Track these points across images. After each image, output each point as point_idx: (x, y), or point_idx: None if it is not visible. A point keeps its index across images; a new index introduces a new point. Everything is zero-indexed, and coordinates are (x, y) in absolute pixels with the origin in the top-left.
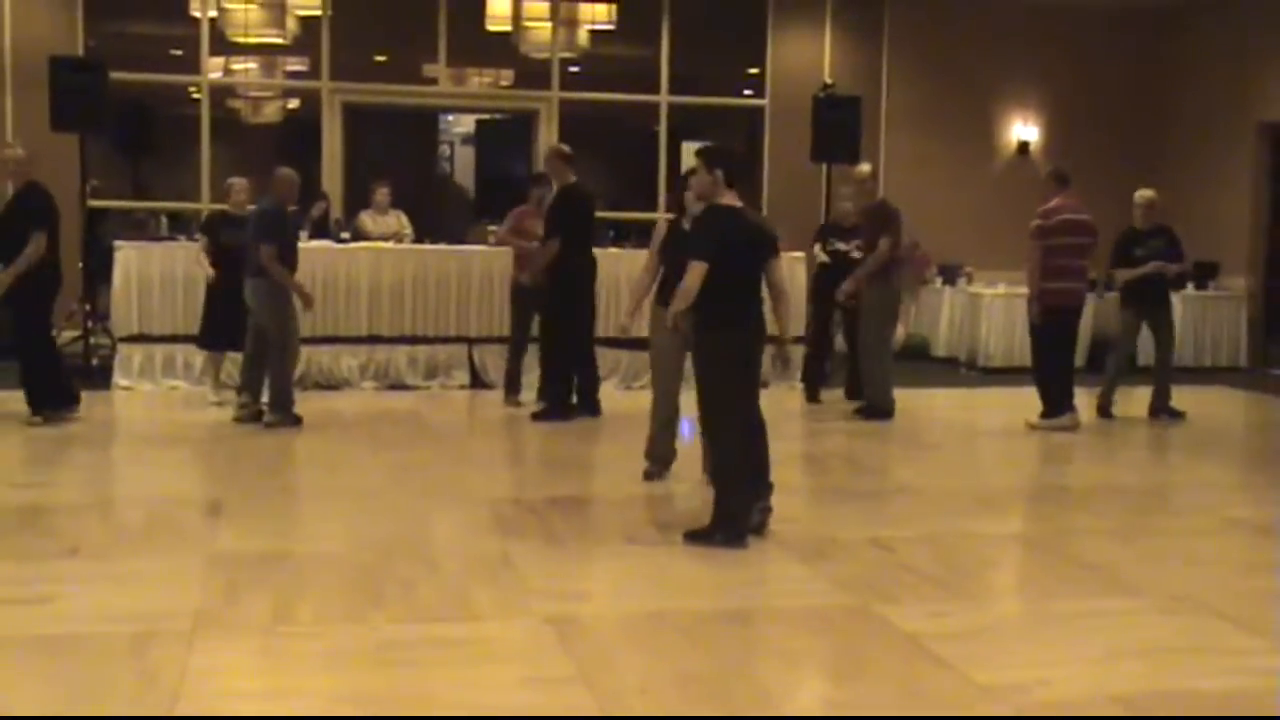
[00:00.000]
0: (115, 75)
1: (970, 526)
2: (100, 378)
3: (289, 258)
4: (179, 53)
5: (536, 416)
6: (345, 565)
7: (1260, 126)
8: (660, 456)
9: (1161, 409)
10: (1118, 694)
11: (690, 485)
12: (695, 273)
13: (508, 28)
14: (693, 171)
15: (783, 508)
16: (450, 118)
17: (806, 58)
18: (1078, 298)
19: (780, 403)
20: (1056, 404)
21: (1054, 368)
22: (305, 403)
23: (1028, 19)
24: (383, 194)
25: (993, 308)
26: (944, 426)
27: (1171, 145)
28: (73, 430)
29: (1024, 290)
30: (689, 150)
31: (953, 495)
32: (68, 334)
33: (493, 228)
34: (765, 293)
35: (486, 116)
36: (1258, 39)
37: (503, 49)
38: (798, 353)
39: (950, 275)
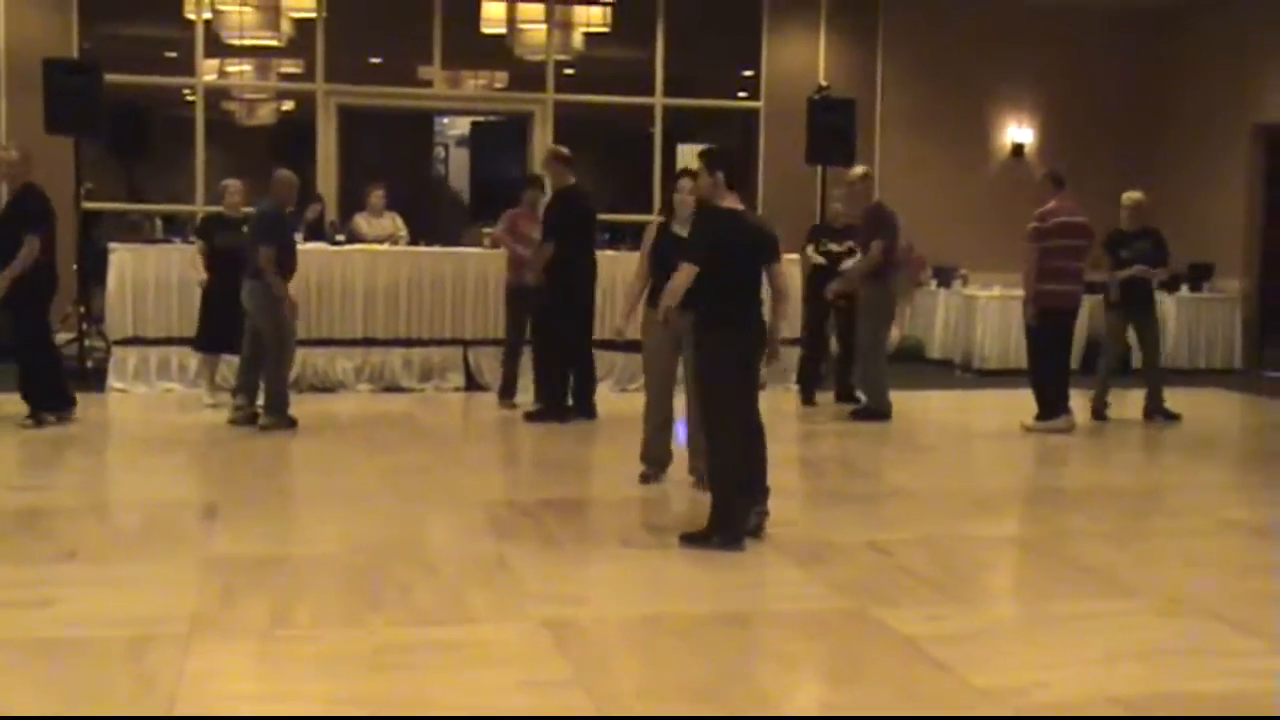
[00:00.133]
0: (110, 77)
1: (967, 529)
2: (95, 380)
3: (288, 261)
4: (173, 55)
5: (531, 417)
6: (341, 568)
7: (1255, 129)
8: (656, 459)
9: (1156, 411)
10: (1116, 696)
11: (686, 488)
12: (683, 273)
13: (502, 30)
14: (683, 174)
15: (779, 511)
16: (445, 120)
17: (801, 60)
18: (1074, 299)
19: (775, 405)
20: (1052, 406)
21: (1050, 370)
22: (300, 405)
23: (1023, 21)
24: (378, 196)
25: (988, 310)
26: (939, 429)
27: (1167, 147)
28: (69, 433)
29: (1019, 292)
30: (684, 152)
31: (949, 498)
32: (62, 336)
33: (487, 230)
34: (766, 294)
35: (481, 119)
36: (1253, 41)
37: (498, 51)
38: (791, 354)
39: (945, 277)
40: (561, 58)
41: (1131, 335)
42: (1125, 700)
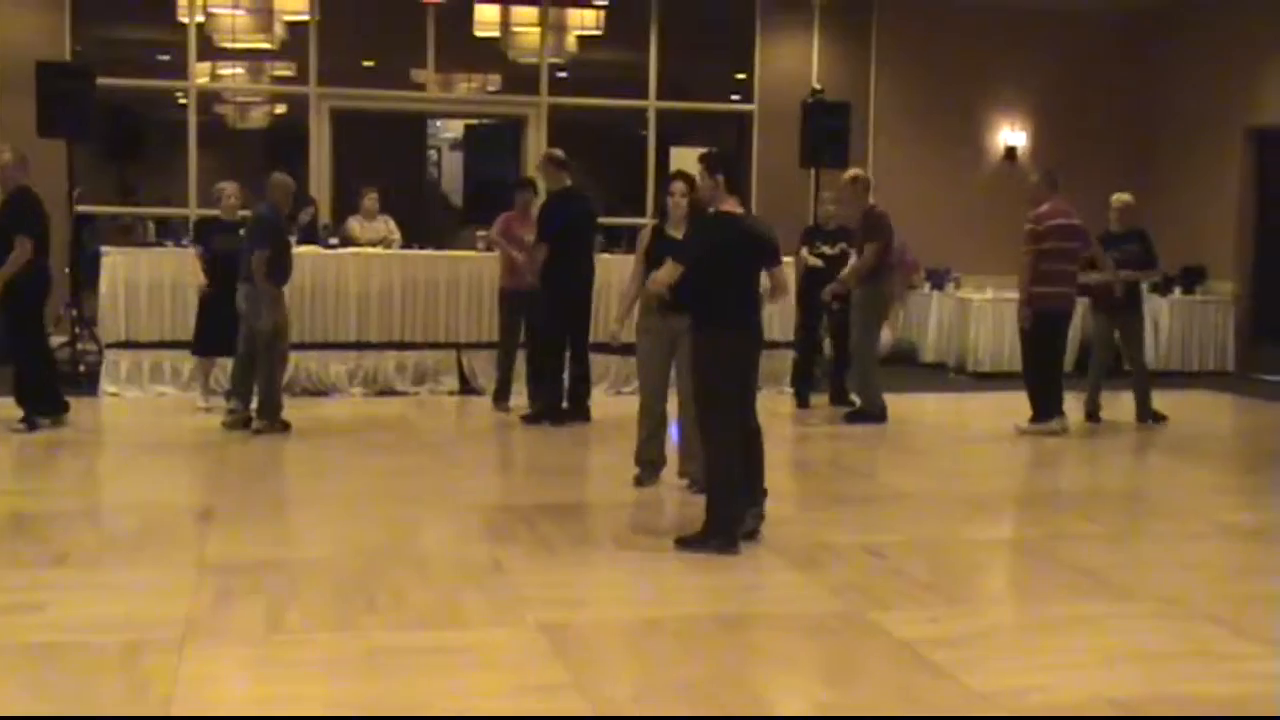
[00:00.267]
0: (102, 80)
1: (963, 532)
2: (88, 384)
3: (284, 264)
4: (166, 58)
5: (527, 419)
6: (336, 572)
7: (1247, 131)
8: (650, 461)
9: (1145, 415)
10: (1115, 699)
11: (680, 491)
12: (670, 268)
13: (496, 33)
14: (676, 177)
15: (775, 513)
16: (438, 123)
17: (795, 63)
18: (1068, 302)
19: (770, 408)
20: (1046, 408)
21: (1044, 372)
22: (294, 409)
23: (1015, 24)
24: (371, 199)
25: (981, 312)
26: (934, 431)
27: (1159, 150)
28: (61, 437)
29: (1012, 295)
30: (677, 155)
31: (944, 500)
32: (55, 340)
33: (481, 232)
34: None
35: (475, 122)
36: (1245, 44)
37: (491, 54)
38: (785, 357)
39: (938, 280)
40: (555, 60)
41: (1119, 338)
42: (1123, 703)
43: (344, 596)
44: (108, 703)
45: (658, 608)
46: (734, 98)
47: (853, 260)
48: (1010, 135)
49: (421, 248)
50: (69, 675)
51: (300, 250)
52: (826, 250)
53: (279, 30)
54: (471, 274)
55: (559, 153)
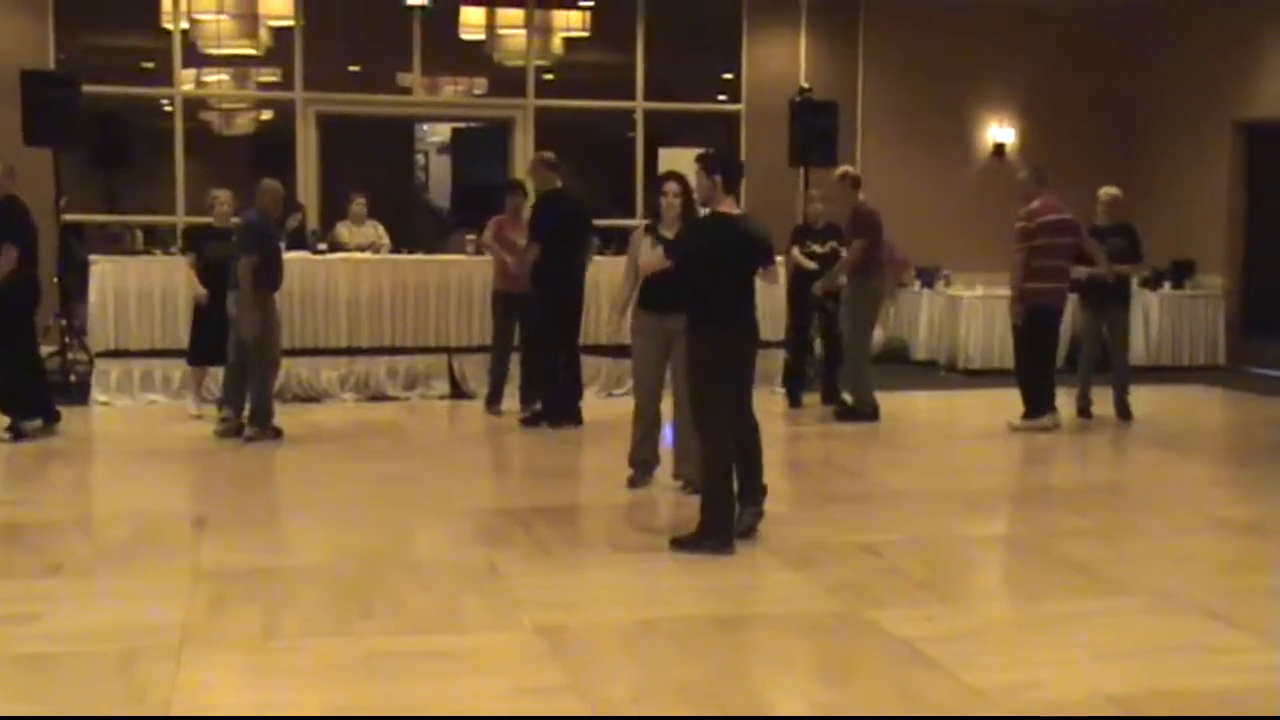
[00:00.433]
0: (87, 88)
1: (957, 529)
2: (78, 393)
3: (274, 271)
4: (151, 65)
5: (525, 422)
6: (331, 578)
7: (1235, 125)
8: (644, 462)
9: (1124, 411)
10: (1112, 694)
11: (674, 492)
12: (658, 257)
13: (481, 36)
14: (668, 177)
15: (769, 513)
16: (426, 127)
17: (782, 62)
18: (1060, 298)
19: (762, 407)
20: (1038, 405)
21: (1036, 368)
22: (285, 415)
23: (1002, 21)
24: (359, 205)
25: (972, 309)
26: (926, 429)
27: (1147, 145)
28: (52, 446)
29: (1003, 292)
30: (665, 156)
31: (938, 498)
32: (44, 349)
33: (470, 236)
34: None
35: (462, 125)
36: (1232, 38)
37: (477, 57)
38: (776, 357)
39: (929, 278)
40: (541, 63)
41: (1106, 332)
42: (1120, 698)
43: (340, 602)
44: (105, 711)
45: (654, 609)
46: (721, 98)
47: (843, 257)
48: (998, 132)
49: (411, 252)
50: (65, 685)
51: (289, 256)
52: (817, 249)
53: (264, 36)
54: (461, 278)
55: (549, 154)
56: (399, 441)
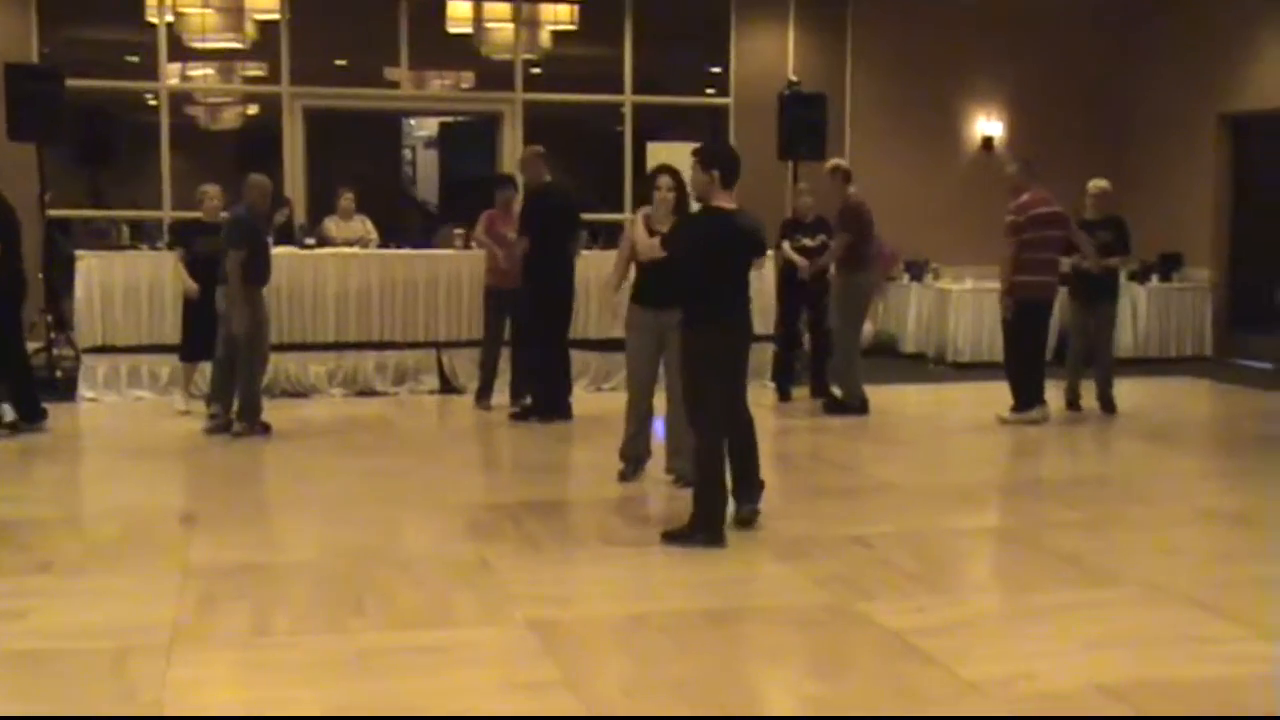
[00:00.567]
0: (71, 83)
1: (947, 521)
2: (65, 390)
3: (262, 266)
4: (135, 59)
5: (515, 417)
6: (322, 574)
7: (1222, 118)
8: (635, 457)
9: (1105, 402)
10: (1104, 685)
11: (665, 486)
12: (653, 244)
13: (469, 29)
14: (661, 171)
15: (759, 506)
16: (413, 121)
17: (770, 55)
18: (1050, 291)
19: (752, 401)
20: (1027, 398)
21: (1026, 362)
22: (274, 411)
23: (990, 14)
24: (347, 199)
25: (961, 303)
26: (916, 422)
27: (1134, 138)
28: (40, 443)
29: (991, 285)
30: (654, 150)
31: (928, 491)
32: (31, 345)
33: (459, 230)
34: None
35: (450, 119)
36: (1219, 31)
37: (464, 51)
38: (766, 351)
39: (917, 272)
40: (529, 57)
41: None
42: (1114, 689)
43: (331, 598)
44: (97, 709)
45: (646, 603)
46: (709, 91)
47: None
48: (986, 125)
49: (399, 247)
50: (56, 682)
51: (277, 251)
52: (808, 243)
53: (249, 29)
54: (450, 272)
55: (539, 148)
56: (388, 437)
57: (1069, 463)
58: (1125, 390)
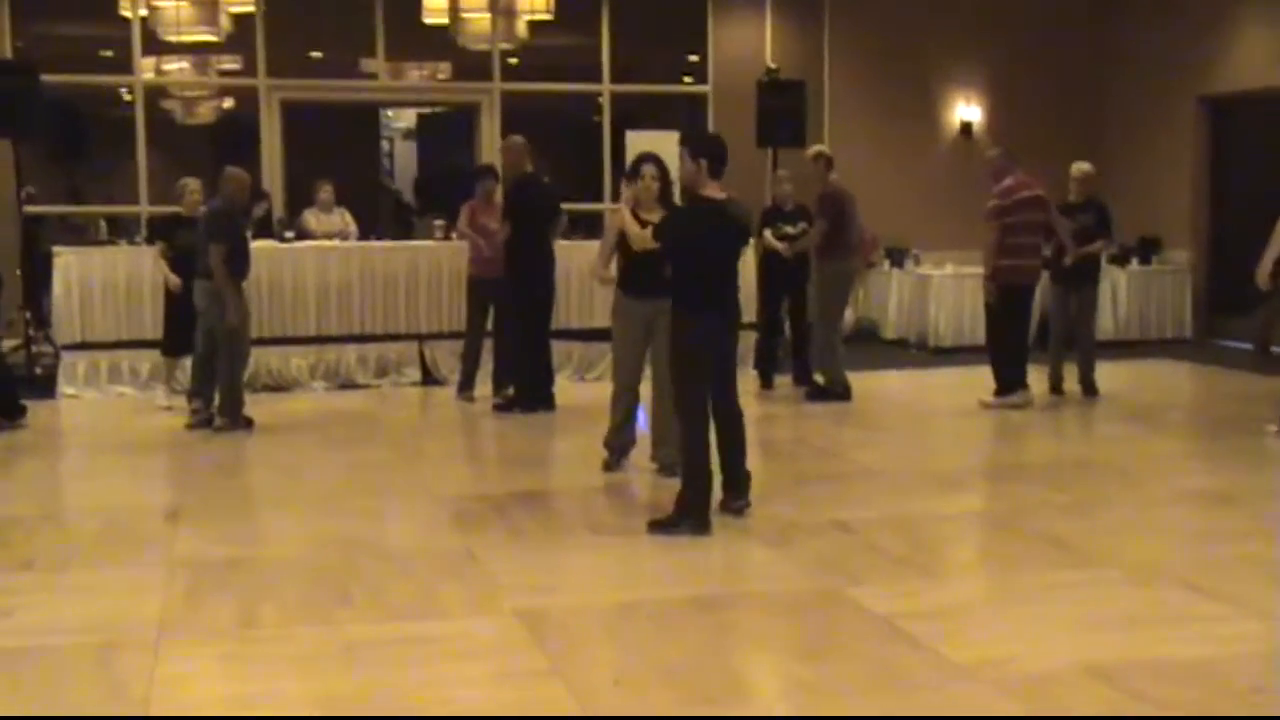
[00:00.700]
0: (45, 78)
1: (932, 506)
2: (45, 387)
3: (241, 260)
4: (110, 54)
5: (499, 408)
6: (308, 567)
7: (1200, 100)
8: (619, 446)
9: (1088, 386)
10: (1092, 665)
11: (650, 475)
12: (648, 239)
13: (445, 20)
14: (645, 159)
15: None
16: (390, 112)
17: (748, 43)
18: (1033, 275)
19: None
20: (1009, 382)
21: (1008, 346)
22: (256, 405)
23: None
24: (326, 192)
25: (941, 288)
26: (899, 408)
27: (1112, 121)
28: (21, 440)
29: (972, 270)
30: (633, 139)
31: (912, 475)
32: (9, 343)
33: (439, 222)
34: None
35: (428, 110)
36: (1195, 13)
37: (441, 42)
38: (748, 339)
39: (898, 257)
40: (506, 47)
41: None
42: (1100, 669)
43: (318, 591)
44: (85, 705)
45: (634, 591)
46: (688, 80)
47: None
48: (965, 110)
49: (379, 239)
50: (43, 679)
51: (256, 245)
52: (789, 230)
53: (225, 22)
54: (430, 264)
55: (519, 138)
56: (371, 429)
57: (1052, 446)
58: (1107, 373)
